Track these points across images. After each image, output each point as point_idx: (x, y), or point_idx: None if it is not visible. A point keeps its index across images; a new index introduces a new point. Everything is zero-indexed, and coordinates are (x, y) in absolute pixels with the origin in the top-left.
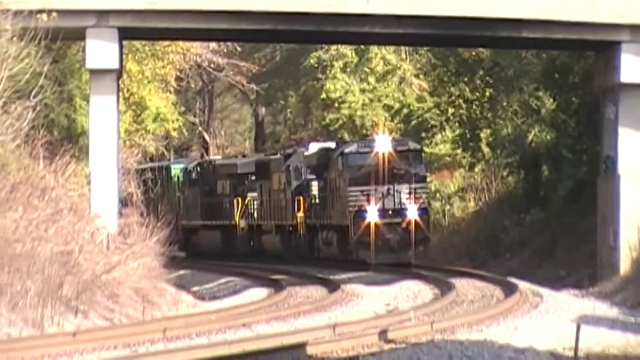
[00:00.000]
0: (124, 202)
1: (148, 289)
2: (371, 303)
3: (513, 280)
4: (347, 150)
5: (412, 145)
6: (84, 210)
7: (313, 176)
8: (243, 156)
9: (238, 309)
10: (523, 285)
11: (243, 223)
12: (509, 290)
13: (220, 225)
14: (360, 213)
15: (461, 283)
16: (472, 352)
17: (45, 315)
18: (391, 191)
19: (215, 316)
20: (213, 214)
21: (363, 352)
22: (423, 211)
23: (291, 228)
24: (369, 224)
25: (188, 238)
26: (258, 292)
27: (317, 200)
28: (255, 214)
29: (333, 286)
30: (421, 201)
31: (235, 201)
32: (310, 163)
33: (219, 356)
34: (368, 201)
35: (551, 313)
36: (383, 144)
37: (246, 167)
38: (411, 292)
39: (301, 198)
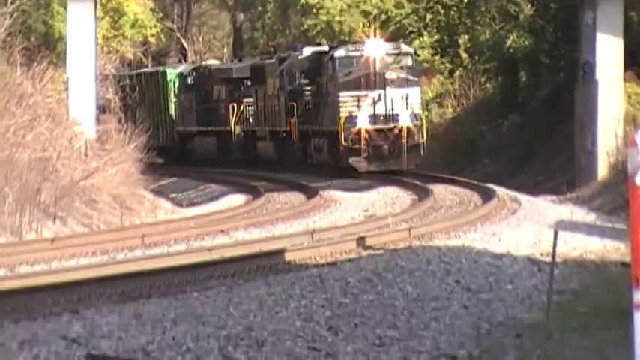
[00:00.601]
0: (103, 108)
1: (126, 195)
2: (349, 209)
3: (491, 186)
4: (337, 54)
5: (405, 48)
6: (62, 116)
7: (306, 81)
8: (240, 60)
9: (216, 215)
10: (501, 191)
11: (238, 130)
12: (487, 196)
13: (216, 131)
14: (351, 119)
15: (438, 190)
16: (450, 258)
17: (23, 222)
18: (382, 96)
19: (193, 223)
20: (209, 120)
21: (341, 258)
22: (416, 117)
23: (284, 134)
24: (359, 130)
25: (184, 144)
26: (237, 199)
27: (310, 106)
28: (251, 120)
29: (311, 193)
30: (414, 106)
31: (231, 107)
32: (303, 67)
33: (199, 262)
34: (358, 107)
35: (528, 219)
36: (374, 48)
37: (242, 72)
38: (389, 198)
39: (295, 104)
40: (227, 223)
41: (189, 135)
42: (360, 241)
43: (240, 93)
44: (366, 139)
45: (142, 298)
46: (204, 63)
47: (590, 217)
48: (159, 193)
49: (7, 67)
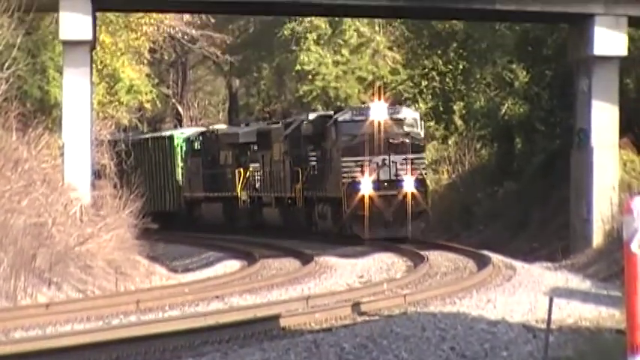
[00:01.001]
0: (98, 174)
1: (121, 260)
2: (344, 275)
3: (486, 252)
4: (340, 118)
5: (410, 112)
6: (57, 182)
7: (311, 146)
8: (247, 125)
9: (211, 281)
10: (496, 257)
11: (244, 196)
12: (482, 263)
13: (222, 197)
14: (354, 185)
15: (434, 256)
16: (445, 325)
17: (18, 287)
18: (387, 162)
19: (188, 289)
20: (216, 186)
21: (336, 324)
22: (421, 183)
23: (290, 201)
24: (362, 197)
25: (191, 210)
26: (232, 265)
27: (314, 172)
28: (257, 186)
29: (306, 259)
30: (418, 172)
31: (237, 172)
32: (308, 132)
33: (194, 328)
34: (362, 172)
35: (524, 286)
36: (378, 111)
37: (248, 137)
38: (384, 264)
39: (299, 169)
40: (222, 289)
41: (196, 201)
42: (356, 307)
43: (247, 158)
44: (369, 205)
45: None
46: (211, 127)
47: (586, 284)
48: (154, 258)
49: (3, 133)
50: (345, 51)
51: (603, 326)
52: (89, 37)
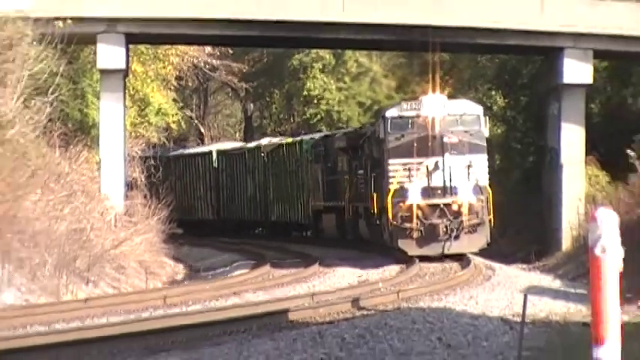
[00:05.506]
0: (130, 185)
1: (151, 262)
2: (346, 276)
3: (469, 256)
4: (388, 114)
5: (470, 107)
6: (94, 192)
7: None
8: (361, 127)
9: (229, 280)
10: (477, 260)
11: (349, 206)
12: (465, 264)
13: (336, 207)
14: (401, 192)
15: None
16: (433, 319)
17: (60, 284)
18: (440, 165)
19: (209, 286)
20: (332, 195)
21: (338, 317)
22: (480, 191)
23: (371, 211)
24: (410, 207)
25: (317, 221)
26: (245, 266)
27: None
28: (358, 194)
29: (310, 261)
30: (478, 177)
31: (346, 179)
32: (378, 133)
33: (213, 321)
34: (409, 177)
35: (502, 285)
36: (432, 106)
37: (355, 140)
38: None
39: (375, 175)
40: (238, 286)
41: (318, 211)
42: (355, 302)
43: (357, 164)
44: (418, 216)
45: (163, 352)
46: (335, 131)
47: (556, 283)
48: (178, 259)
49: (48, 150)
50: (346, 79)
51: (571, 320)
52: (123, 66)
